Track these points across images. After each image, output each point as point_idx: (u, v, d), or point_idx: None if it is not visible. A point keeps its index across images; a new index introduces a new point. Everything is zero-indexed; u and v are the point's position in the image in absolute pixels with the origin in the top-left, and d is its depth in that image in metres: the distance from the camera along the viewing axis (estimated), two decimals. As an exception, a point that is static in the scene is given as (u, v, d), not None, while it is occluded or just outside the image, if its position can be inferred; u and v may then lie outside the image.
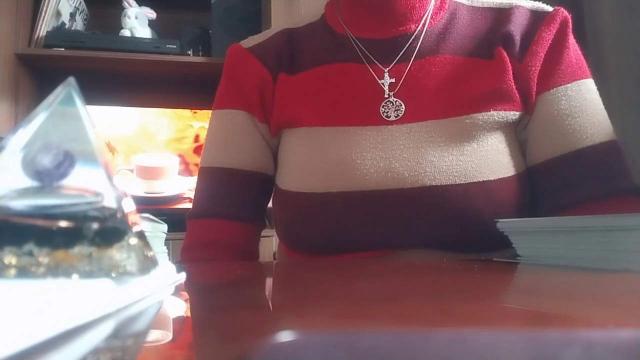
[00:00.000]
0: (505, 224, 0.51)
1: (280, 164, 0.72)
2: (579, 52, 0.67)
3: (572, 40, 0.67)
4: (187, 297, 0.35)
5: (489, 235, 0.55)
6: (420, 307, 0.26)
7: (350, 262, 0.60)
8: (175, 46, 1.96)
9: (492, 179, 0.61)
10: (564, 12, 0.67)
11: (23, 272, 0.25)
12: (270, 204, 0.76)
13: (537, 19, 0.67)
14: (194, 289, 0.39)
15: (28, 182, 0.26)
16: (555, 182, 0.64)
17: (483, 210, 0.60)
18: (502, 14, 0.69)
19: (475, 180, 0.61)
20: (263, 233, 0.75)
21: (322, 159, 0.65)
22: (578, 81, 0.65)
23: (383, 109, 0.65)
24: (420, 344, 0.15)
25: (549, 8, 0.69)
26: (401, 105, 0.65)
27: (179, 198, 1.95)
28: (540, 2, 0.71)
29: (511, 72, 0.65)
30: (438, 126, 0.63)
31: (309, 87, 0.69)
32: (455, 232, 0.61)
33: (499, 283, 0.39)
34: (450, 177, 0.61)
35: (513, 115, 0.64)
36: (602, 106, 0.66)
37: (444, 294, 0.31)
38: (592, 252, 0.42)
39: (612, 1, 1.63)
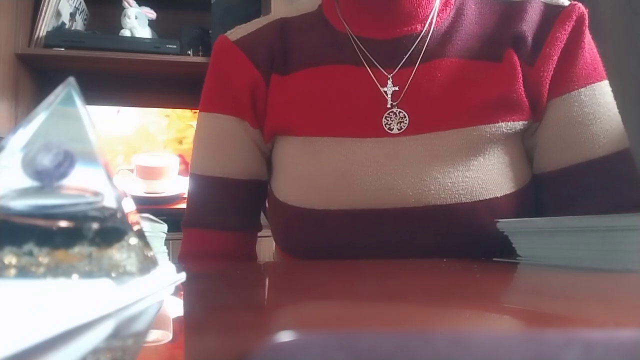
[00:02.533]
0: (505, 224, 0.51)
1: (275, 170, 0.68)
2: (595, 50, 0.62)
3: (588, 38, 0.62)
4: (187, 297, 0.35)
5: (492, 249, 0.54)
6: (420, 307, 0.26)
7: (350, 263, 0.60)
8: (175, 46, 1.97)
9: (498, 195, 0.59)
10: (580, 8, 0.62)
11: (23, 272, 0.25)
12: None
13: (552, 14, 0.62)
14: (194, 289, 0.39)
15: (28, 182, 0.26)
16: (564, 192, 0.61)
17: (488, 226, 0.56)
18: (514, 9, 0.64)
19: (481, 198, 0.58)
20: (263, 233, 0.75)
21: (320, 174, 0.61)
22: (592, 85, 0.61)
23: (385, 120, 0.61)
24: (420, 344, 0.15)
25: (565, 2, 0.63)
26: (405, 116, 0.61)
27: (179, 198, 1.95)
28: None
29: (521, 77, 0.61)
30: (443, 139, 0.60)
31: (304, 91, 0.65)
32: (459, 249, 0.59)
33: (498, 283, 0.39)
34: (456, 196, 0.58)
35: (521, 125, 0.61)
36: (615, 110, 0.61)
37: (444, 294, 0.31)
38: (592, 252, 0.42)
39: (612, 1, 1.63)
